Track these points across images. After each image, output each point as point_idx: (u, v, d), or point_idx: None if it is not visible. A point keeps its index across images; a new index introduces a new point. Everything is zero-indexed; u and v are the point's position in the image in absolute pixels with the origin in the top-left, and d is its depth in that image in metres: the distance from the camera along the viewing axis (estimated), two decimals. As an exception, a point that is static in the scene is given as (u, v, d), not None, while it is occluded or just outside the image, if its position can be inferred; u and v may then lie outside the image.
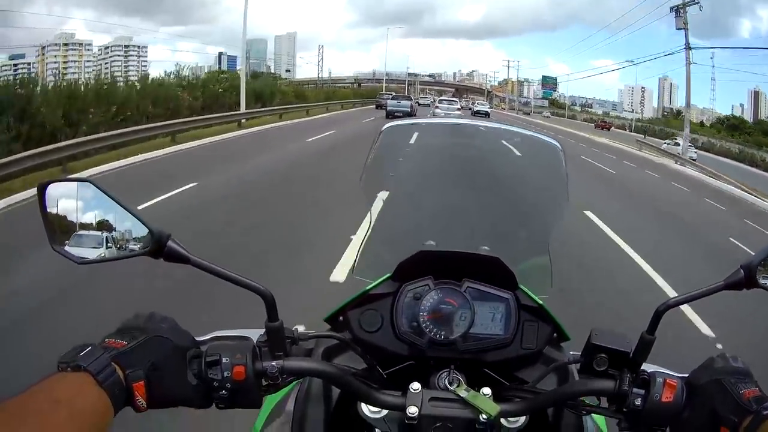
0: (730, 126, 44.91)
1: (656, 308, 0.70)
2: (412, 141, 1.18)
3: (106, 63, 39.83)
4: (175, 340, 0.63)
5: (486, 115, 36.63)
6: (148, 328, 0.63)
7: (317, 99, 31.95)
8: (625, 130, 47.06)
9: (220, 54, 48.78)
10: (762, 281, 0.71)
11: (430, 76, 75.98)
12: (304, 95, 32.01)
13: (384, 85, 45.65)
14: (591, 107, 61.65)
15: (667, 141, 31.36)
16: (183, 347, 0.64)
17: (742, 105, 50.70)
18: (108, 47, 40.78)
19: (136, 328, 0.63)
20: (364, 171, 0.98)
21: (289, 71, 52.18)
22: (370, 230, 1.00)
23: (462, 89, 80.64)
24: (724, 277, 0.71)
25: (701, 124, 50.53)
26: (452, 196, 1.20)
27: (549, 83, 61.57)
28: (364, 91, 47.19)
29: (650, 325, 0.70)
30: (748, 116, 48.21)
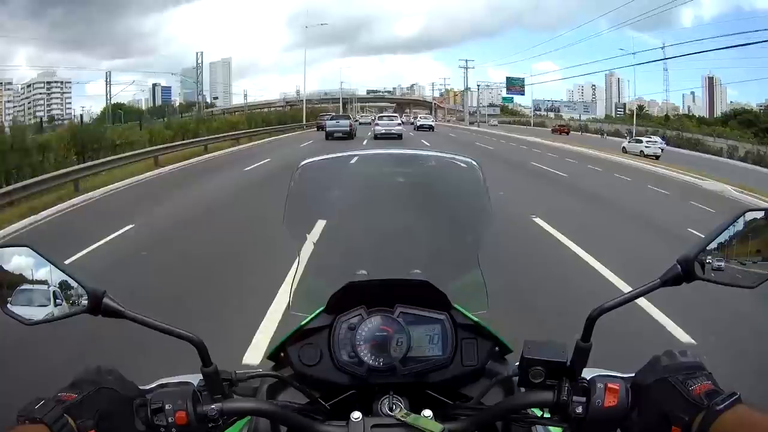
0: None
1: (589, 314, 0.76)
2: (332, 174, 1.31)
3: (29, 102, 38.32)
4: (121, 390, 0.74)
5: (430, 128, 37.90)
6: (96, 381, 0.73)
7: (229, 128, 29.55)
8: (582, 132, 48.29)
9: (154, 86, 48.48)
10: (701, 274, 0.75)
11: (369, 92, 77.21)
12: (234, 123, 32.17)
13: (303, 106, 45.89)
14: (558, 111, 61.22)
15: (628, 139, 32.72)
16: (128, 397, 0.74)
17: (693, 93, 54.27)
18: (30, 85, 39.25)
19: (86, 381, 0.73)
20: (286, 209, 1.08)
21: (216, 98, 52.10)
22: (301, 265, 1.10)
23: (404, 104, 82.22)
24: (660, 275, 0.76)
25: (666, 117, 53.20)
26: (381, 224, 1.32)
27: (515, 85, 59.92)
28: (291, 114, 46.57)
29: (584, 332, 0.76)
30: (700, 104, 51.23)
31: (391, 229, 1.32)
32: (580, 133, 47.16)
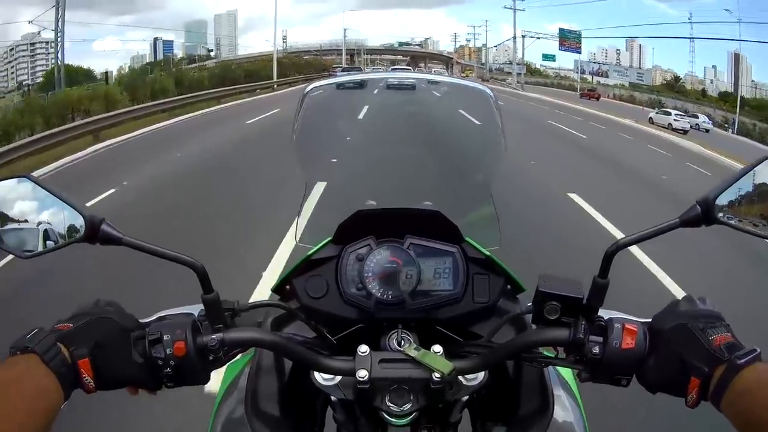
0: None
1: (606, 250, 0.75)
2: (341, 102, 1.32)
3: (11, 67, 37.84)
4: (119, 321, 0.75)
5: None
6: (93, 312, 0.75)
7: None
8: (615, 99, 45.73)
9: (155, 40, 47.87)
10: (720, 216, 0.74)
11: (382, 46, 75.83)
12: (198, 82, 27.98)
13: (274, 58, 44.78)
14: (606, 75, 54.57)
15: (656, 110, 32.17)
16: (127, 328, 0.75)
17: (714, 67, 52.44)
18: (13, 48, 38.62)
19: (85, 313, 0.75)
20: (294, 136, 1.07)
21: (210, 51, 51.35)
22: (309, 197, 1.12)
23: (418, 57, 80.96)
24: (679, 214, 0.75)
25: (703, 92, 51.39)
26: (391, 154, 1.33)
27: (569, 39, 49.49)
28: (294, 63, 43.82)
29: (601, 268, 0.75)
30: (725, 80, 49.57)
31: (403, 160, 1.32)
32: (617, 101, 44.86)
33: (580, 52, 50.78)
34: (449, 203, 1.05)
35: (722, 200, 0.74)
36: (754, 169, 0.74)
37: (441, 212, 0.92)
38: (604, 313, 0.78)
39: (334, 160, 1.23)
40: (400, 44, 76.63)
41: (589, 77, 53.81)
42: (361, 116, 1.40)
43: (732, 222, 0.75)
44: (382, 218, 0.95)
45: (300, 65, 43.78)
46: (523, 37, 44.71)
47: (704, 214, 0.73)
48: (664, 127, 26.70)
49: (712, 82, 52.05)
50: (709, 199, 0.73)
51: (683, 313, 0.71)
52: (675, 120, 28.45)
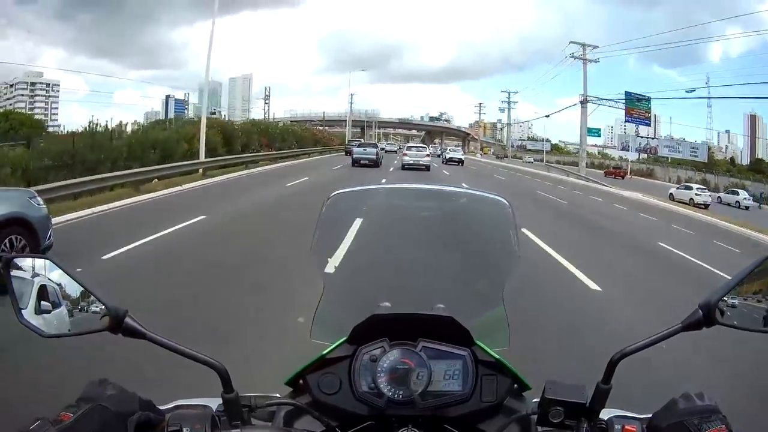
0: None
1: (610, 358, 0.82)
2: (361, 206, 1.41)
3: (10, 103, 38.97)
4: (115, 408, 0.78)
5: (459, 162, 38.20)
6: (95, 398, 0.79)
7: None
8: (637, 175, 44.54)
9: (167, 97, 49.94)
10: (721, 319, 0.81)
11: (399, 120, 77.43)
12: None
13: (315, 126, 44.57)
14: (655, 152, 51.30)
15: (678, 186, 32.42)
16: (122, 413, 0.79)
17: (728, 131, 52.74)
18: (13, 85, 39.83)
19: (86, 399, 0.79)
20: (314, 239, 1.17)
21: (213, 113, 52.93)
22: (324, 294, 1.18)
23: (434, 132, 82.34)
24: (681, 320, 0.82)
25: (732, 162, 50.84)
26: (406, 256, 1.41)
27: (638, 109, 43.85)
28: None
29: (605, 375, 0.83)
30: (740, 143, 49.32)
31: (417, 263, 1.39)
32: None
33: (648, 124, 46.83)
34: (462, 305, 1.13)
35: (723, 302, 0.81)
36: (753, 270, 0.81)
37: (454, 318, 0.99)
38: (605, 412, 0.84)
39: (350, 257, 1.33)
40: (409, 123, 77.95)
41: (631, 154, 52.09)
42: (378, 218, 1.49)
43: (733, 322, 0.81)
44: (396, 321, 1.01)
45: (298, 134, 43.68)
46: (583, 103, 41.23)
47: (706, 317, 0.80)
48: (685, 203, 26.90)
49: (727, 148, 52.26)
50: (711, 302, 0.80)
51: (681, 411, 0.77)
52: (696, 195, 28.74)
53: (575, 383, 0.85)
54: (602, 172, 49.05)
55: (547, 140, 67.43)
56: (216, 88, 54.52)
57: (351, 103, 61.98)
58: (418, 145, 39.21)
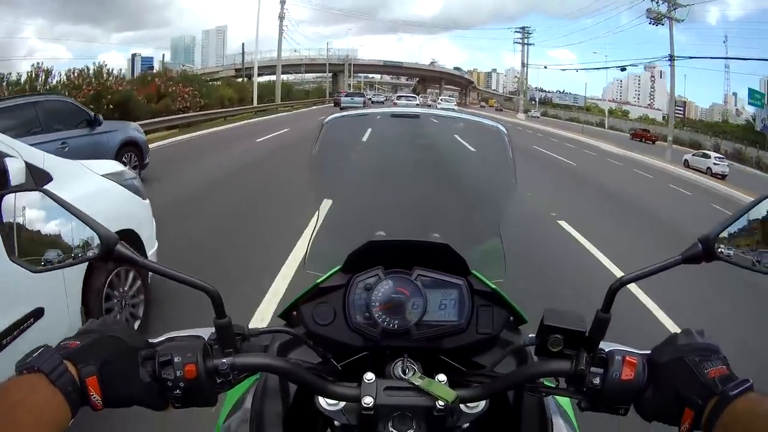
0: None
1: (610, 285, 0.85)
2: (358, 134, 1.47)
3: None
4: (127, 340, 0.82)
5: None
6: (101, 330, 0.82)
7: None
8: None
9: (133, 56, 49.65)
10: (720, 254, 0.85)
11: (386, 63, 73.66)
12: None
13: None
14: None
15: (694, 152, 31.52)
16: (135, 347, 0.83)
17: (735, 94, 52.13)
18: None
19: (91, 331, 0.82)
20: (311, 164, 1.22)
21: (184, 65, 52.24)
22: (319, 223, 1.24)
23: (428, 79, 76.30)
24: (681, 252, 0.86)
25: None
26: (401, 187, 1.47)
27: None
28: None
29: (605, 303, 0.86)
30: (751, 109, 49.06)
31: (412, 193, 1.46)
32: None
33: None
34: (457, 235, 1.18)
35: (723, 237, 0.86)
36: (755, 207, 0.86)
37: (450, 245, 1.05)
38: (604, 345, 0.88)
39: (346, 187, 1.39)
40: (402, 66, 73.86)
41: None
42: (374, 147, 1.54)
43: (732, 259, 0.87)
44: (392, 249, 1.08)
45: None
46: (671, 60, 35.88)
47: (705, 252, 0.85)
48: (702, 171, 26.59)
49: (737, 113, 52.25)
50: (710, 236, 0.85)
51: (681, 347, 0.82)
52: (714, 164, 28.29)
53: (574, 312, 0.89)
54: (627, 134, 46.85)
55: (547, 92, 65.42)
56: (189, 43, 53.64)
57: (328, 44, 61.04)
58: (408, 95, 41.10)
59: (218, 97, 31.46)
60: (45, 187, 2.62)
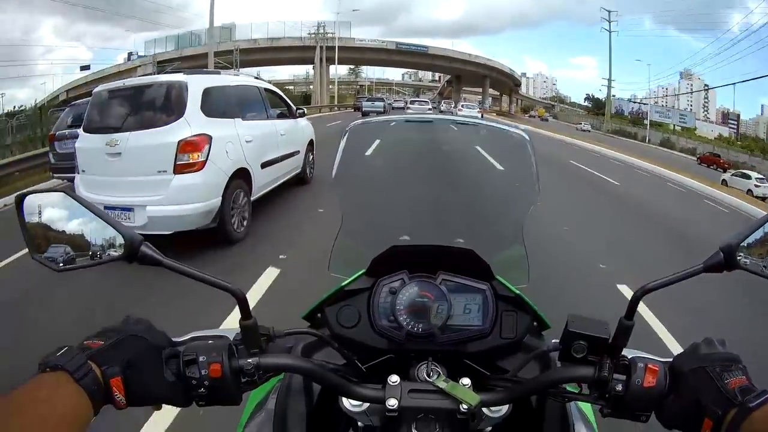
0: None
1: (633, 293, 0.88)
2: (381, 139, 1.51)
3: None
4: (151, 339, 0.86)
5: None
6: (124, 329, 0.86)
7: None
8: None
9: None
10: (742, 263, 0.87)
11: (397, 48, 66.95)
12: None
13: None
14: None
15: (732, 172, 30.48)
16: (158, 346, 0.86)
17: (763, 105, 50.86)
18: None
19: (114, 330, 0.86)
20: (335, 168, 1.26)
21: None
22: (343, 226, 1.28)
23: (467, 76, 67.56)
24: (702, 261, 0.88)
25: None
26: (426, 191, 1.52)
27: None
28: None
29: (628, 311, 0.90)
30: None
31: (436, 198, 1.52)
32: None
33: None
34: (481, 241, 1.23)
35: (743, 246, 0.88)
36: None
37: (474, 251, 1.10)
38: (627, 353, 0.92)
39: (371, 191, 1.45)
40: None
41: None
42: (399, 151, 1.59)
43: (753, 268, 0.89)
44: (416, 254, 1.12)
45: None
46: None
47: (726, 260, 0.88)
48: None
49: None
50: (732, 245, 0.87)
51: (703, 356, 0.85)
52: (756, 186, 27.48)
53: (598, 319, 0.92)
54: (695, 158, 44.62)
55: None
56: (195, 40, 54.01)
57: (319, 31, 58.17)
58: (421, 99, 43.01)
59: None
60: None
